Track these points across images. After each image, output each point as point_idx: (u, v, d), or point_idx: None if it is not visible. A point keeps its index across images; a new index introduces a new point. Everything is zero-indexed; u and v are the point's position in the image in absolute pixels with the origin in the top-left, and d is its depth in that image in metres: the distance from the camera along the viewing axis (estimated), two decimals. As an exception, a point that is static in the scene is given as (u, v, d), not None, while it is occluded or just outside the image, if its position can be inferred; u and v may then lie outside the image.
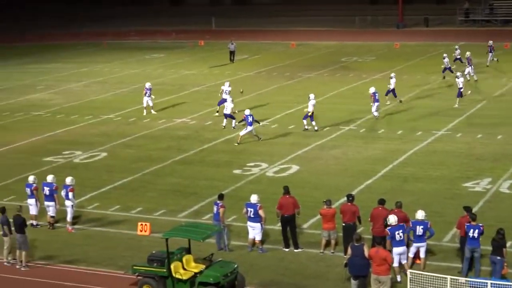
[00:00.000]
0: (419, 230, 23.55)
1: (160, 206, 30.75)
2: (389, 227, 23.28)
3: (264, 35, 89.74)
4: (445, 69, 54.75)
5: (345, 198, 26.00)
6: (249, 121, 39.23)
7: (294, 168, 35.31)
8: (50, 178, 28.62)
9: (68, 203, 28.11)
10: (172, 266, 22.40)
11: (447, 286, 20.31)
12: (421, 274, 21.09)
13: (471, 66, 53.97)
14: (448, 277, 20.40)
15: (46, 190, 28.31)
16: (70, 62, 72.12)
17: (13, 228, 25.17)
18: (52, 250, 26.65)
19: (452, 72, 53.55)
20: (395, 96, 47.10)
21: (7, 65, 71.77)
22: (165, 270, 22.39)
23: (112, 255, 26.03)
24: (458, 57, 57.70)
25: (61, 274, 24.71)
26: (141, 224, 27.93)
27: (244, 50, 73.62)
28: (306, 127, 41.58)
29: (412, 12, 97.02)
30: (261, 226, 25.68)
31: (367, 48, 75.02)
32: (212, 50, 77.79)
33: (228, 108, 42.10)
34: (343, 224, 25.04)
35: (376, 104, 43.36)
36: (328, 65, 63.96)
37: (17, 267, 25.19)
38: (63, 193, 28.28)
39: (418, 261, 23.86)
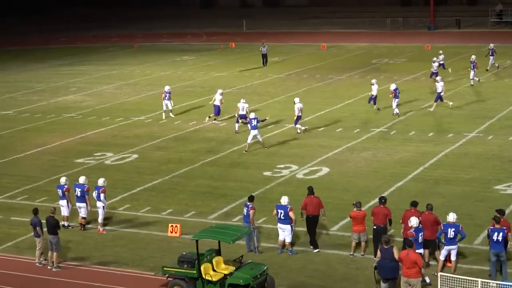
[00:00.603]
0: (451, 232, 23.41)
1: (190, 207, 30.86)
2: (412, 229, 23.23)
3: (294, 37, 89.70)
4: (432, 73, 53.98)
5: (376, 200, 25.93)
6: (253, 124, 38.36)
7: (324, 170, 35.27)
8: (82, 179, 28.82)
9: (99, 204, 28.31)
10: (202, 268, 22.46)
11: (477, 289, 20.20)
12: (452, 277, 20.97)
13: (474, 70, 53.22)
14: (479, 280, 20.26)
15: (78, 192, 28.51)
16: (102, 65, 72.62)
17: (45, 229, 25.40)
18: (83, 251, 26.86)
19: (432, 76, 53.16)
20: (375, 104, 45.71)
21: (40, 67, 72.42)
22: (195, 272, 22.46)
23: (142, 256, 26.17)
24: (442, 62, 56.39)
25: (92, 275, 24.89)
26: (172, 226, 28.05)
27: (274, 52, 73.61)
28: (298, 131, 41.65)
29: (443, 13, 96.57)
30: (291, 228, 25.69)
31: (398, 50, 74.71)
32: (242, 52, 77.89)
33: (244, 109, 42.18)
34: (374, 227, 24.99)
35: (396, 100, 44.55)
36: (359, 67, 63.78)
37: (49, 268, 25.42)
38: (94, 194, 28.49)
39: (449, 264, 23.72)
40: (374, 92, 45.50)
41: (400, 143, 39.39)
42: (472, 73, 53.42)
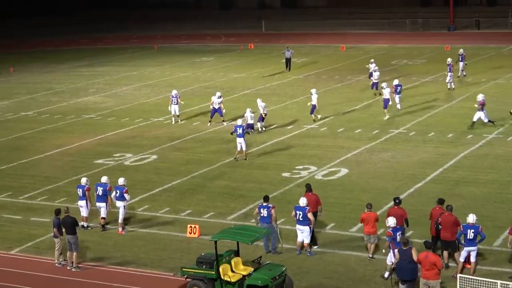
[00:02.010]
0: (470, 234, 23.30)
1: (209, 208, 30.89)
2: (390, 229, 23.31)
3: (313, 38, 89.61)
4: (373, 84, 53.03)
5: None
6: (239, 132, 36.86)
7: (343, 171, 35.19)
8: (104, 179, 28.93)
9: (119, 204, 28.34)
10: (220, 269, 22.47)
11: (497, 291, 20.09)
12: (471, 278, 20.86)
13: (451, 73, 52.31)
14: (498, 282, 20.16)
15: (100, 190, 28.54)
16: (121, 66, 72.89)
17: (63, 230, 25.48)
18: (102, 251, 26.94)
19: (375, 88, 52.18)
20: (311, 113, 44.81)
21: (60, 68, 72.78)
22: (213, 272, 22.47)
23: (161, 257, 26.21)
24: (371, 71, 54.38)
25: (111, 275, 24.96)
26: (190, 226, 28.08)
27: (293, 53, 73.53)
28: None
29: (463, 14, 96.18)
30: (310, 229, 25.66)
31: (418, 50, 74.49)
32: (261, 53, 77.91)
33: (252, 117, 42.37)
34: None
35: (398, 96, 45.81)
36: (378, 68, 63.51)
37: (68, 268, 25.51)
38: (113, 194, 28.54)
39: (468, 266, 23.61)
40: (314, 102, 44.37)
41: (419, 144, 39.25)
42: (448, 76, 52.52)
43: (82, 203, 28.88)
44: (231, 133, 37.93)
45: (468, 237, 23.32)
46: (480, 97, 42.06)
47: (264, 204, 26.02)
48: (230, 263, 22.82)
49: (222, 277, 22.40)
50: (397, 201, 25.37)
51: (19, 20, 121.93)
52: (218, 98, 44.73)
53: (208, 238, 25.87)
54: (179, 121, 46.15)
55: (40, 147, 42.17)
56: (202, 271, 22.72)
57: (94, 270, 25.46)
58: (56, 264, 25.80)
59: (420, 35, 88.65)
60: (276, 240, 26.02)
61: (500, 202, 30.16)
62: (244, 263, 23.12)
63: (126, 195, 28.30)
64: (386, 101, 44.51)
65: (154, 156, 39.20)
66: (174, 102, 45.66)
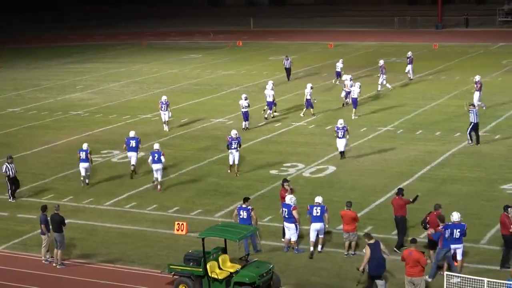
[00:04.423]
0: (456, 233, 23.33)
1: (196, 205, 30.87)
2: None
3: (302, 35, 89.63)
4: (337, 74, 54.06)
5: (383, 199, 26.00)
6: (233, 147, 34.52)
7: (331, 168, 35.23)
8: (132, 133, 35.39)
9: (156, 166, 32.76)
10: (208, 266, 22.45)
11: (484, 288, 20.13)
12: (458, 276, 20.92)
13: (384, 75, 51.77)
14: (485, 279, 20.19)
15: (132, 143, 34.74)
16: (110, 62, 72.73)
17: (50, 227, 25.42)
18: (90, 248, 26.89)
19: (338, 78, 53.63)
20: (307, 108, 45.30)
21: (48, 65, 72.54)
22: (201, 270, 22.45)
23: (148, 254, 26.18)
24: (339, 70, 55.48)
25: (98, 272, 24.90)
26: (178, 224, 28.06)
27: (281, 51, 73.59)
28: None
29: (451, 12, 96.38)
30: (296, 226, 25.63)
31: (406, 48, 74.49)
32: (250, 50, 77.89)
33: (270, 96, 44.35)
34: (394, 217, 25.68)
35: (384, 76, 48.74)
36: (366, 65, 63.64)
37: (54, 265, 25.44)
38: (149, 159, 32.92)
39: (455, 263, 23.65)
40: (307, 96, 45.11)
41: (407, 142, 39.33)
42: (381, 78, 51.97)
43: (83, 165, 33.40)
44: (227, 147, 34.75)
45: (454, 236, 23.33)
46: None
47: (244, 205, 25.67)
48: (217, 260, 22.80)
49: (210, 275, 22.38)
50: (398, 191, 25.89)
51: (6, 16, 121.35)
52: (245, 100, 42.93)
53: (195, 235, 25.79)
54: (166, 128, 43.53)
55: (27, 143, 42.03)
56: (189, 268, 22.71)
57: (81, 267, 25.39)
58: (43, 261, 25.73)
59: (408, 33, 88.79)
60: (256, 241, 25.82)
61: (487, 200, 30.25)
62: (232, 260, 23.11)
63: (162, 158, 32.38)
64: (354, 100, 44.92)
65: (142, 153, 39.09)
66: (164, 108, 43.44)
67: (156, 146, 33.12)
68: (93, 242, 27.53)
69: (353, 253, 25.35)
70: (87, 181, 33.85)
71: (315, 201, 25.54)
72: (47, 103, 53.35)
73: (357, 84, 45.78)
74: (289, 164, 36.04)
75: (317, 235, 25.48)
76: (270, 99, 44.59)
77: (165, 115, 43.70)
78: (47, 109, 51.24)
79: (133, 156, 34.89)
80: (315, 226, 25.41)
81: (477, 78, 45.13)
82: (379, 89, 52.08)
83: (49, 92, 57.67)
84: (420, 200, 27.03)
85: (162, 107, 43.65)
